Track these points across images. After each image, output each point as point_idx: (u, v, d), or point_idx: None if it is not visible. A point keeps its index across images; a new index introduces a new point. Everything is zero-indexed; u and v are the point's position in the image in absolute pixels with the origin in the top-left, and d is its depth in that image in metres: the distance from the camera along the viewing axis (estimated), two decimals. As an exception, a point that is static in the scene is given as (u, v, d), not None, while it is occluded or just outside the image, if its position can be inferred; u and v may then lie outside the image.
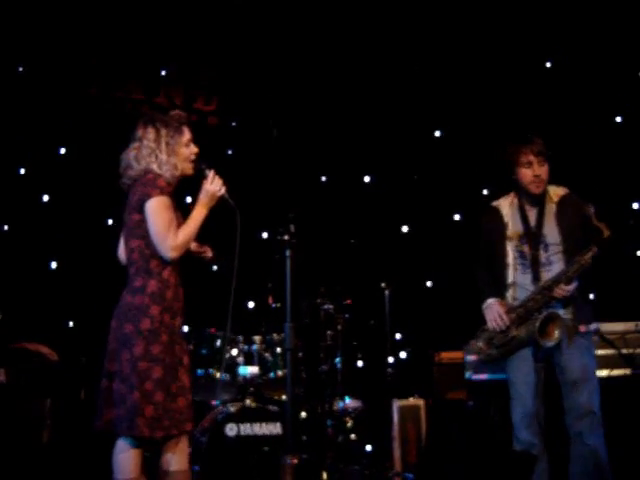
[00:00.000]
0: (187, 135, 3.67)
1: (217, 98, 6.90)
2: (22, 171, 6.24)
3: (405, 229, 7.04)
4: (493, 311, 4.09)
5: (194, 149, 3.68)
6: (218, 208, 3.71)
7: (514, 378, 4.14)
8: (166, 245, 3.49)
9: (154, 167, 3.56)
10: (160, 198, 3.49)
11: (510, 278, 4.13)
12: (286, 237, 3.87)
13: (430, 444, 5.56)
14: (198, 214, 3.60)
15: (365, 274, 6.49)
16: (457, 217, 7.03)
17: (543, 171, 4.09)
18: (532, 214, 4.15)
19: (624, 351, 4.90)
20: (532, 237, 4.09)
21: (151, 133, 3.61)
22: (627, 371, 4.96)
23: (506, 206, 4.24)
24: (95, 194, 6.12)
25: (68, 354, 5.54)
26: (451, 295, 6.63)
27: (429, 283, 6.97)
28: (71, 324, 6.13)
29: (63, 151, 6.36)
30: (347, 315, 5.90)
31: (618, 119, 6.83)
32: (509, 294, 4.14)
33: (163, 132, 3.61)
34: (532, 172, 4.08)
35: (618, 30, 6.61)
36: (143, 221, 3.51)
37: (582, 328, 4.01)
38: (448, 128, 7.09)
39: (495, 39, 6.82)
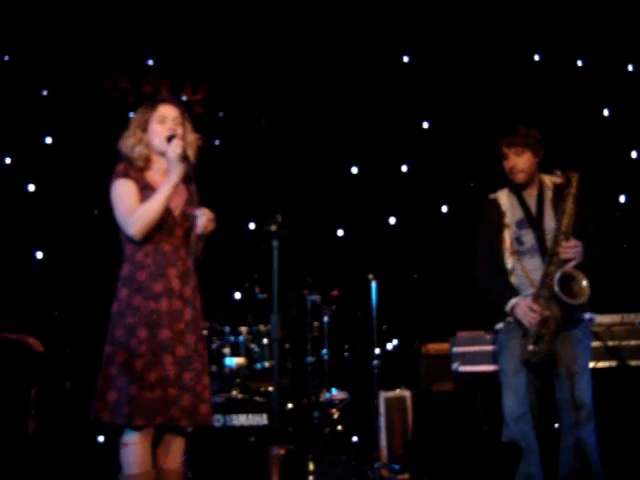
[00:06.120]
0: (161, 112, 3.55)
1: (204, 88, 6.86)
2: (7, 160, 6.19)
3: (392, 221, 7.04)
4: (522, 308, 3.98)
5: (168, 126, 3.53)
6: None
7: (506, 368, 4.12)
8: (124, 222, 3.40)
9: (123, 147, 3.51)
10: (115, 183, 3.45)
11: (509, 265, 4.13)
12: (273, 228, 3.85)
13: (416, 435, 5.57)
14: (163, 185, 3.41)
15: (352, 265, 6.48)
16: (444, 209, 7.03)
17: (519, 161, 4.13)
18: (531, 201, 4.18)
19: (610, 343, 4.92)
20: (535, 222, 4.11)
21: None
22: (613, 363, 4.97)
23: (503, 197, 4.27)
24: (81, 184, 6.08)
25: (54, 345, 5.50)
26: (438, 287, 6.64)
27: (416, 275, 6.96)
28: (57, 315, 6.09)
29: (49, 140, 6.32)
30: (334, 306, 5.90)
31: (606, 112, 6.84)
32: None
33: (139, 110, 3.60)
34: (507, 164, 4.16)
35: (606, 23, 6.63)
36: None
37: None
38: (436, 120, 7.08)
39: (484, 31, 6.81)
